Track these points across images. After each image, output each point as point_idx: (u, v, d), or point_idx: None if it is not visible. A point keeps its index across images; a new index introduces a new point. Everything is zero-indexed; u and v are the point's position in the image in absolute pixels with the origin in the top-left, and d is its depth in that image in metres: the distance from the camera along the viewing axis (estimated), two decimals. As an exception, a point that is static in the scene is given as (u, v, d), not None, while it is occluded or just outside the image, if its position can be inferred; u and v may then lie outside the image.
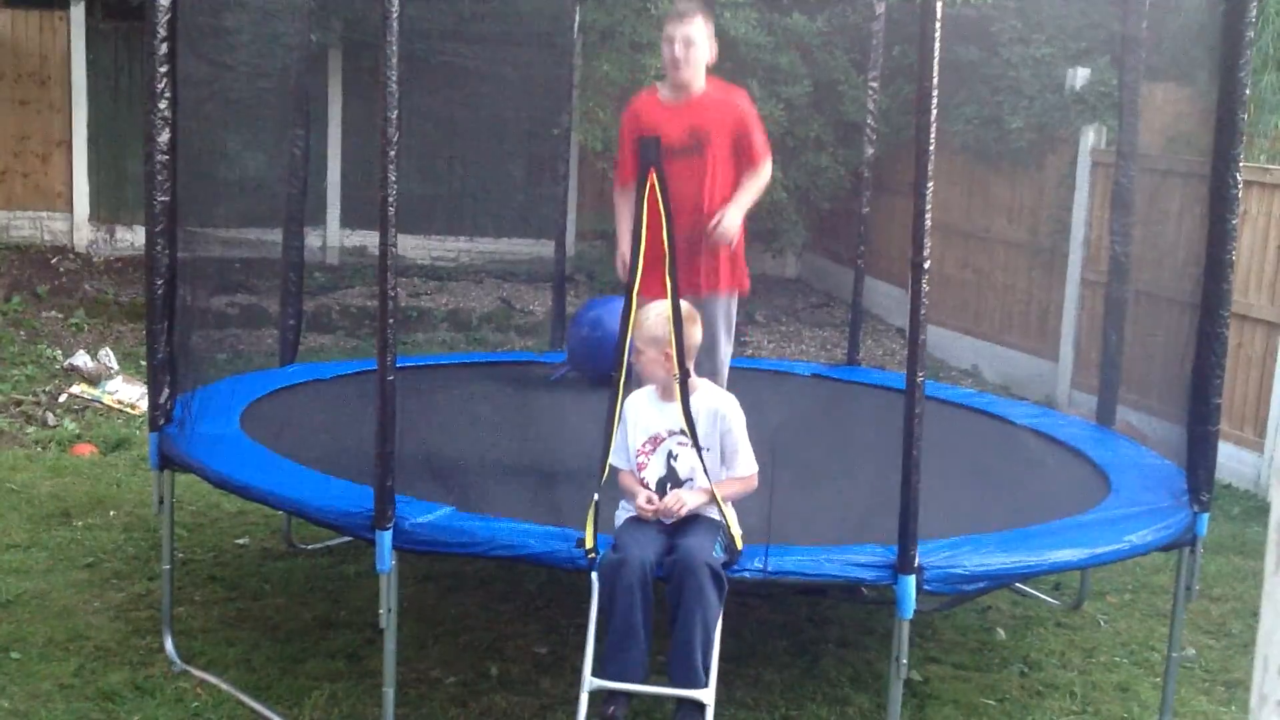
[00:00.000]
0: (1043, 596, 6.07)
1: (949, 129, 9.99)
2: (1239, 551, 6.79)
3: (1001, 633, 5.67)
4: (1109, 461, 5.45)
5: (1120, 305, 5.97)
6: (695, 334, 4.33)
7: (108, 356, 9.30)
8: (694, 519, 4.15)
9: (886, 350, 10.79)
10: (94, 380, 8.94)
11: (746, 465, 4.24)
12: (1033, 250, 10.11)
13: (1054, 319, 9.84)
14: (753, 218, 11.14)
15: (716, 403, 4.25)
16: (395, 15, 4.00)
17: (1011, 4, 10.45)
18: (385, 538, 4.15)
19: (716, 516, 4.17)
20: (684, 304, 4.25)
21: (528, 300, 11.60)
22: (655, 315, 4.23)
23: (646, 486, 4.21)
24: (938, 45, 3.83)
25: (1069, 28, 10.20)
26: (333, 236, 12.41)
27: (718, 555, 4.04)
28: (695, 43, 5.36)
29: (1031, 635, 5.69)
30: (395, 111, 4.05)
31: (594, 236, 12.14)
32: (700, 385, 4.30)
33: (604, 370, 6.00)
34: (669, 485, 4.20)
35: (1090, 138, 9.54)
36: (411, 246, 11.89)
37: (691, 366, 4.25)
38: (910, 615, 4.00)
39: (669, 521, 4.16)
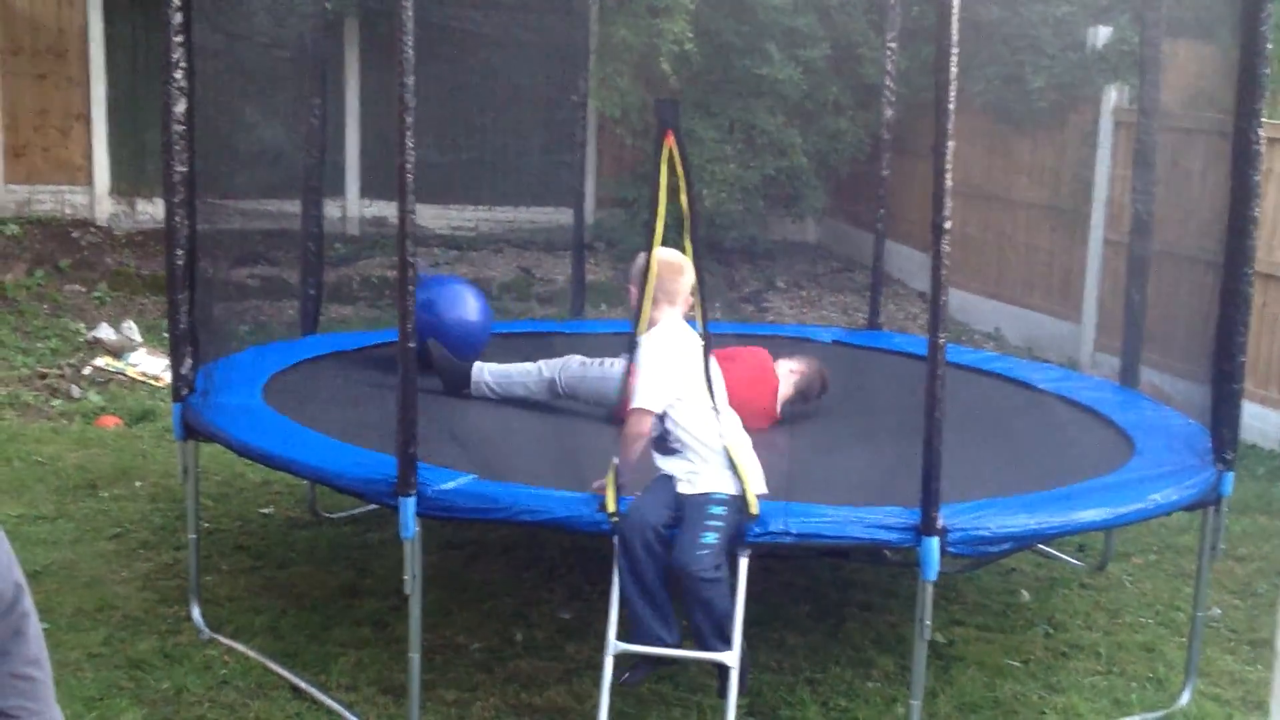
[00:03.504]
0: (1067, 558, 6.06)
1: (970, 89, 9.90)
2: (1264, 511, 6.77)
3: (1026, 594, 5.67)
4: (1132, 422, 5.42)
5: (1143, 265, 5.93)
6: (678, 283, 4.31)
7: (131, 329, 9.34)
8: (691, 497, 4.12)
9: (908, 314, 10.75)
10: (117, 353, 8.98)
11: (635, 398, 4.16)
12: (1055, 211, 10.04)
13: (1076, 280, 9.78)
14: (770, 183, 11.18)
15: (641, 340, 4.24)
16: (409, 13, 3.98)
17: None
18: (409, 504, 4.16)
19: (706, 488, 4.13)
20: (670, 253, 4.27)
21: (548, 269, 11.58)
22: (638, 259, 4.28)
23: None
24: (956, 5, 3.80)
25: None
26: (352, 207, 12.40)
27: (710, 547, 3.99)
28: None
29: (1056, 596, 5.69)
30: (411, 79, 4.04)
31: (613, 203, 12.12)
32: (657, 324, 4.27)
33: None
34: (666, 435, 4.23)
35: (1113, 96, 9.46)
36: (431, 216, 11.87)
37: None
38: (934, 577, 4.00)
39: (676, 453, 4.19)
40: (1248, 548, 6.25)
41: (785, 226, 12.50)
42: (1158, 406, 5.71)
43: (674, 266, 4.28)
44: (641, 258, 4.28)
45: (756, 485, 4.14)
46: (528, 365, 5.68)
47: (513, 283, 11.29)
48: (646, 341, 4.22)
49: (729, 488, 4.10)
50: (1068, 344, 9.71)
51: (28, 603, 1.85)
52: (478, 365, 5.72)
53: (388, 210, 11.83)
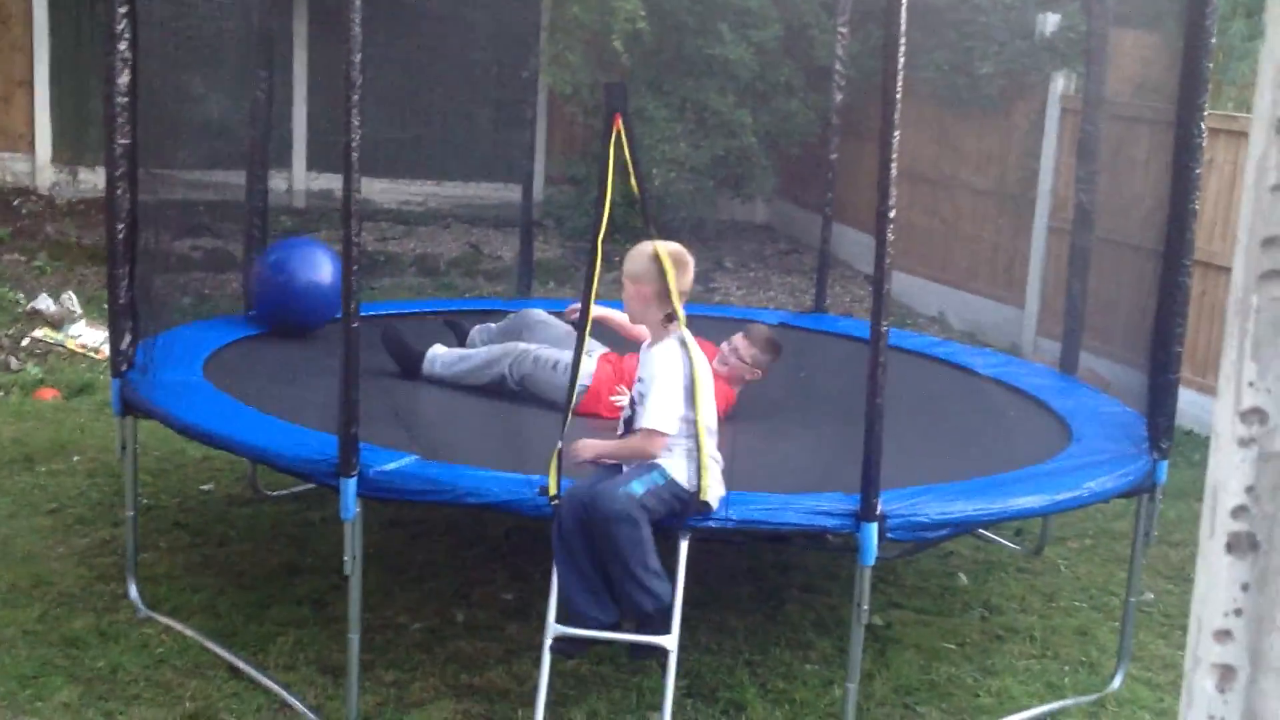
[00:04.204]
0: (1004, 542, 6.14)
1: (918, 75, 9.94)
2: (1199, 497, 6.82)
3: (963, 578, 5.74)
4: (1070, 410, 5.49)
5: (1084, 254, 5.99)
6: (685, 280, 4.27)
7: (71, 300, 9.21)
8: (635, 466, 4.14)
9: (855, 296, 10.81)
10: (57, 324, 8.86)
11: (649, 419, 4.09)
12: (1000, 197, 10.11)
13: (1020, 266, 9.87)
14: (720, 163, 11.18)
15: (649, 363, 4.18)
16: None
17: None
18: (350, 485, 4.14)
19: (659, 464, 4.12)
20: (675, 246, 4.22)
21: (496, 245, 11.54)
22: (640, 253, 4.19)
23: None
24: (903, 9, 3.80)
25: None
26: (299, 179, 12.29)
27: (632, 493, 3.97)
28: None
29: (993, 580, 5.76)
30: (358, 57, 4.01)
31: (562, 181, 12.08)
32: (663, 339, 4.23)
33: (289, 319, 5.98)
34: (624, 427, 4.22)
35: (1060, 84, 9.53)
36: (379, 190, 11.79)
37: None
38: (872, 562, 4.03)
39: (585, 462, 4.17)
40: (1182, 533, 6.35)
41: (734, 207, 12.52)
42: (1095, 394, 5.79)
43: (685, 264, 4.19)
44: (641, 253, 4.17)
45: (715, 483, 4.14)
46: (477, 356, 5.64)
47: (460, 258, 11.24)
48: (662, 358, 4.13)
49: (681, 476, 4.10)
50: (1011, 329, 9.80)
51: None
52: (430, 354, 5.68)
53: (335, 183, 11.72)
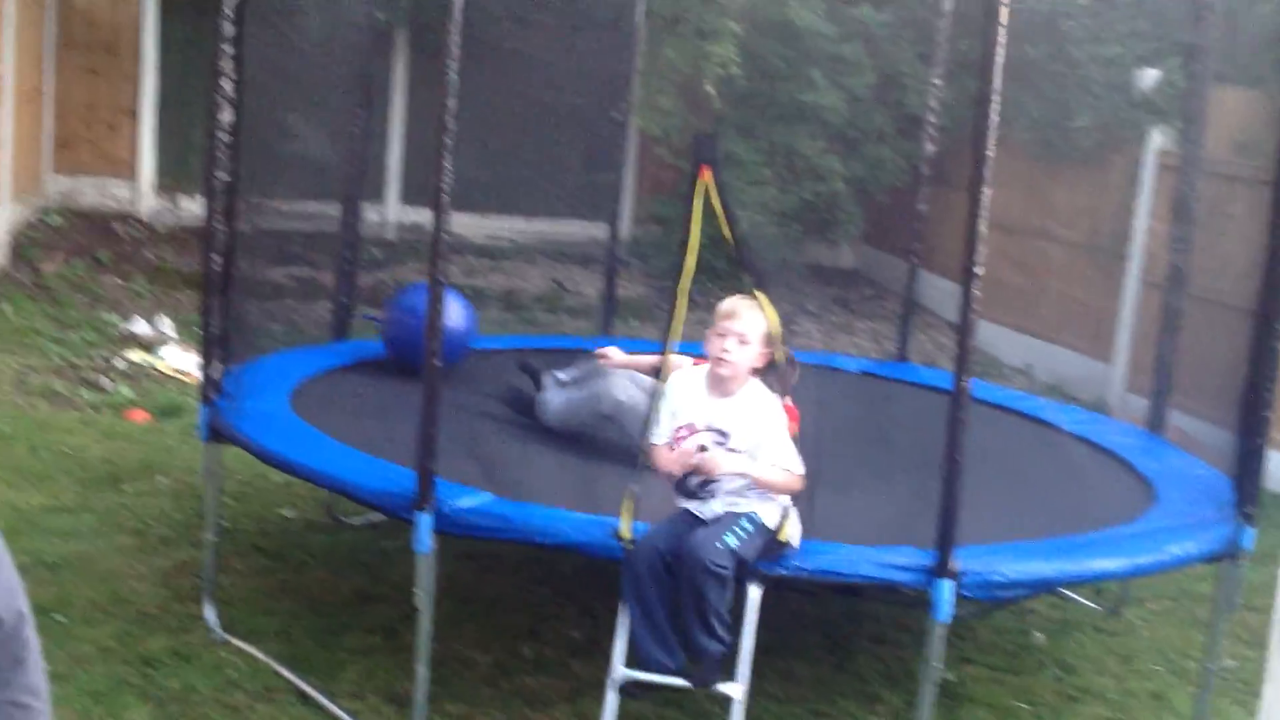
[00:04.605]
0: (1082, 601, 6.02)
1: (1012, 125, 9.88)
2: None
3: (1039, 636, 5.64)
4: (1155, 471, 5.40)
5: (1175, 314, 5.89)
6: (775, 321, 4.30)
7: (165, 324, 9.43)
8: (723, 514, 4.13)
9: (939, 345, 10.71)
10: (151, 347, 9.06)
11: (789, 461, 4.16)
12: (1092, 251, 9.98)
13: (1110, 320, 9.73)
14: (808, 208, 11.16)
15: (762, 410, 4.20)
16: (458, 22, 4.02)
17: (1082, 2, 10.31)
18: (425, 520, 4.19)
19: (747, 510, 4.14)
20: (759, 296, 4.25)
21: (580, 282, 11.61)
22: (739, 304, 4.23)
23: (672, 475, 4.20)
24: (1000, 54, 3.78)
25: (1140, 28, 10.04)
26: (393, 212, 12.48)
27: (728, 547, 4.01)
28: None
29: (1069, 639, 5.65)
30: (454, 102, 4.08)
31: (650, 221, 12.14)
32: (751, 384, 4.26)
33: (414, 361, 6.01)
34: (692, 477, 4.18)
35: (1156, 140, 9.40)
36: (467, 225, 11.92)
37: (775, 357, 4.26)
38: (946, 619, 3.98)
39: (696, 481, 4.15)
40: (1265, 598, 6.13)
41: (820, 251, 12.48)
42: (1182, 454, 5.68)
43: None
44: (747, 307, 4.23)
45: (795, 523, 4.15)
46: (577, 400, 5.64)
47: (545, 294, 11.33)
48: (768, 401, 4.21)
49: (770, 519, 4.11)
50: (1099, 384, 9.65)
51: (29, 632, 1.86)
52: (540, 400, 5.70)
53: (425, 217, 11.88)
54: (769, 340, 4.20)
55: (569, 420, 5.57)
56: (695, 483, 4.16)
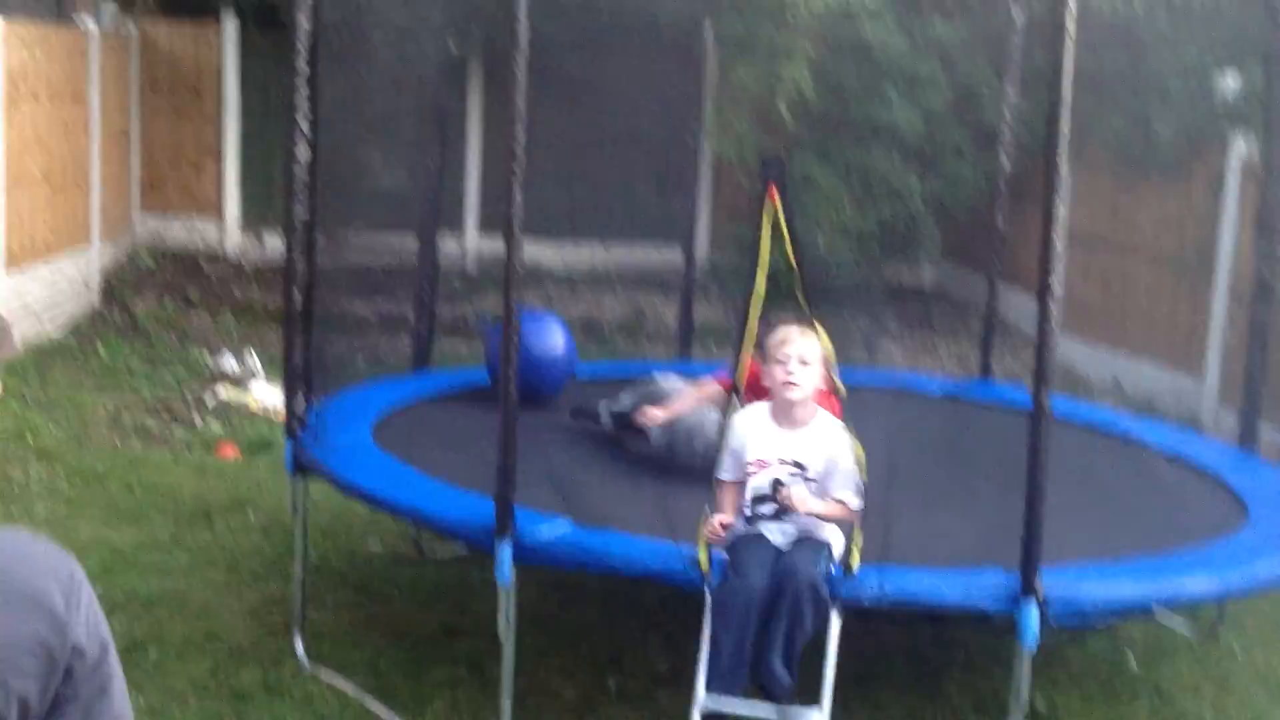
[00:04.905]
0: (1176, 623, 5.89)
1: (1093, 136, 9.76)
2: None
3: (1133, 661, 5.52)
4: (1248, 487, 5.27)
5: (1263, 329, 5.76)
6: (828, 345, 4.33)
7: (253, 360, 9.60)
8: (805, 539, 4.14)
9: (1024, 363, 10.57)
10: (239, 383, 9.23)
11: (851, 497, 4.17)
12: (1179, 263, 9.80)
13: (1200, 334, 9.53)
14: (887, 227, 11.09)
15: (832, 440, 4.23)
16: (524, 52, 4.06)
17: (1160, 8, 10.15)
18: (505, 550, 4.22)
19: (824, 537, 4.15)
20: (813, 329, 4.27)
21: (659, 308, 11.63)
22: (791, 330, 4.24)
23: (744, 509, 4.21)
24: (1069, 65, 3.75)
25: (1219, 33, 9.86)
26: (471, 243, 12.61)
27: (825, 570, 4.04)
28: None
29: (1164, 664, 5.53)
30: (523, 135, 4.12)
31: (728, 244, 12.12)
32: (820, 414, 4.28)
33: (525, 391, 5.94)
34: (768, 503, 4.19)
35: (1241, 148, 9.22)
36: (545, 252, 12.01)
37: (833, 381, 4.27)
38: (1032, 646, 3.92)
39: (771, 511, 4.17)
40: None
41: (901, 270, 12.39)
42: (1276, 470, 5.55)
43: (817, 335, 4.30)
44: (805, 335, 4.27)
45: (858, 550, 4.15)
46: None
47: (624, 321, 11.36)
48: (842, 433, 4.25)
49: (839, 549, 4.14)
50: (1190, 399, 9.46)
51: (114, 662, 1.89)
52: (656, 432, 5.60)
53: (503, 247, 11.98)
54: (826, 363, 4.21)
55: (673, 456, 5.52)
56: (770, 512, 4.16)
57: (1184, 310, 9.77)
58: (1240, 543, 4.62)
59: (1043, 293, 3.88)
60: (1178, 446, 5.98)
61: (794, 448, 4.18)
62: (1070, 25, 3.76)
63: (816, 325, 4.29)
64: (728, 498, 4.27)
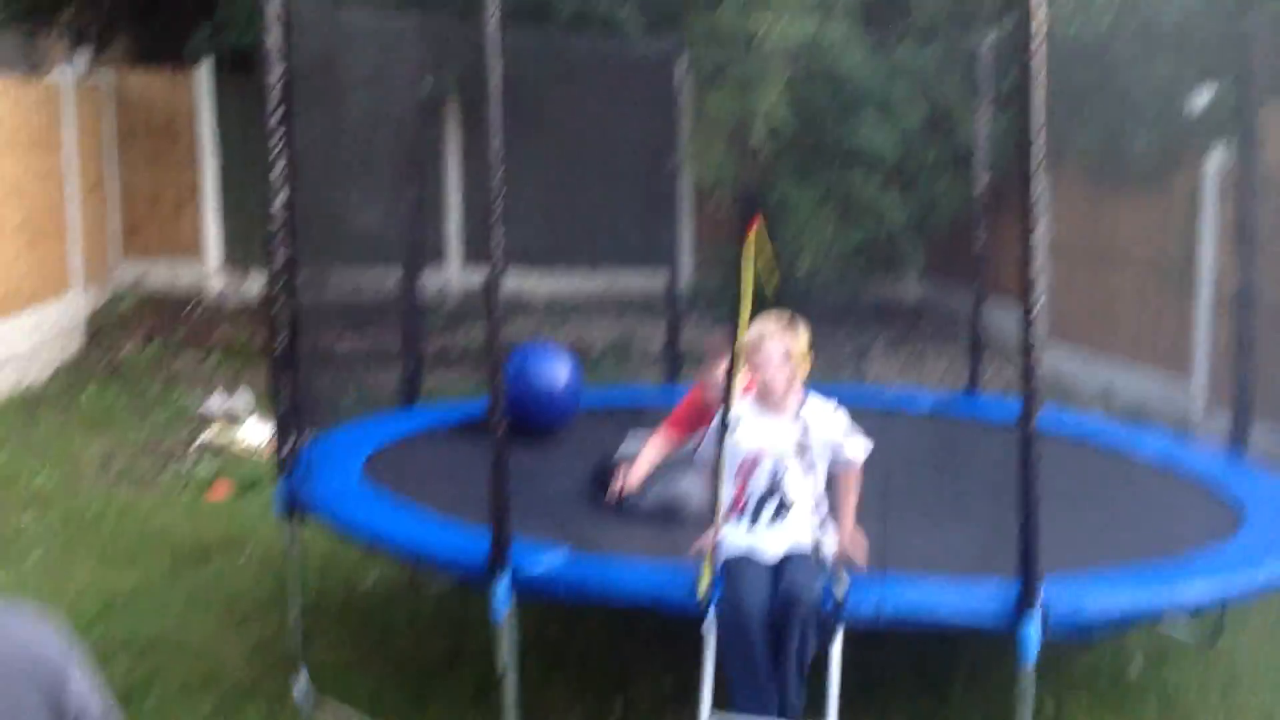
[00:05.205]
0: (1178, 628, 5.91)
1: (1066, 154, 9.86)
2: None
3: (1138, 662, 5.52)
4: (1242, 491, 5.30)
5: (1247, 336, 5.80)
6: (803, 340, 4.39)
7: (240, 399, 9.59)
8: (799, 555, 4.14)
9: (1011, 373, 10.60)
10: (229, 422, 9.21)
11: (857, 452, 4.35)
12: (1163, 270, 9.86)
13: (1187, 338, 9.59)
14: (868, 246, 11.13)
15: (824, 420, 4.32)
16: (498, 100, 4.08)
17: (1131, 26, 10.23)
18: (501, 585, 4.21)
19: (818, 549, 4.19)
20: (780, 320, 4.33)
21: (646, 333, 11.65)
22: (757, 333, 4.31)
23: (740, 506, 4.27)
24: (1040, 87, 3.77)
25: (1191, 51, 9.92)
26: (455, 274, 12.63)
27: (823, 586, 4.06)
28: None
29: (1169, 668, 5.53)
30: (500, 173, 4.13)
31: (713, 266, 12.17)
32: (808, 398, 4.34)
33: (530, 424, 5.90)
34: (770, 500, 4.24)
35: (1217, 158, 9.30)
36: (532, 282, 12.02)
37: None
38: (1034, 659, 3.93)
39: (783, 520, 4.23)
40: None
41: (885, 286, 12.45)
42: (1268, 473, 5.57)
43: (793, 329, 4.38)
44: (775, 329, 4.34)
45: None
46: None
47: (612, 346, 11.38)
48: (839, 420, 4.37)
49: (830, 547, 4.22)
50: (1180, 401, 9.51)
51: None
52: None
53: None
54: (802, 356, 4.31)
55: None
56: (771, 512, 4.23)
57: (1169, 316, 9.83)
58: (1237, 547, 4.64)
59: (1026, 311, 3.87)
60: (1170, 453, 6.01)
61: (789, 433, 4.26)
62: (1039, 49, 3.76)
63: (794, 322, 4.34)
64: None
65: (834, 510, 4.33)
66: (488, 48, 4.07)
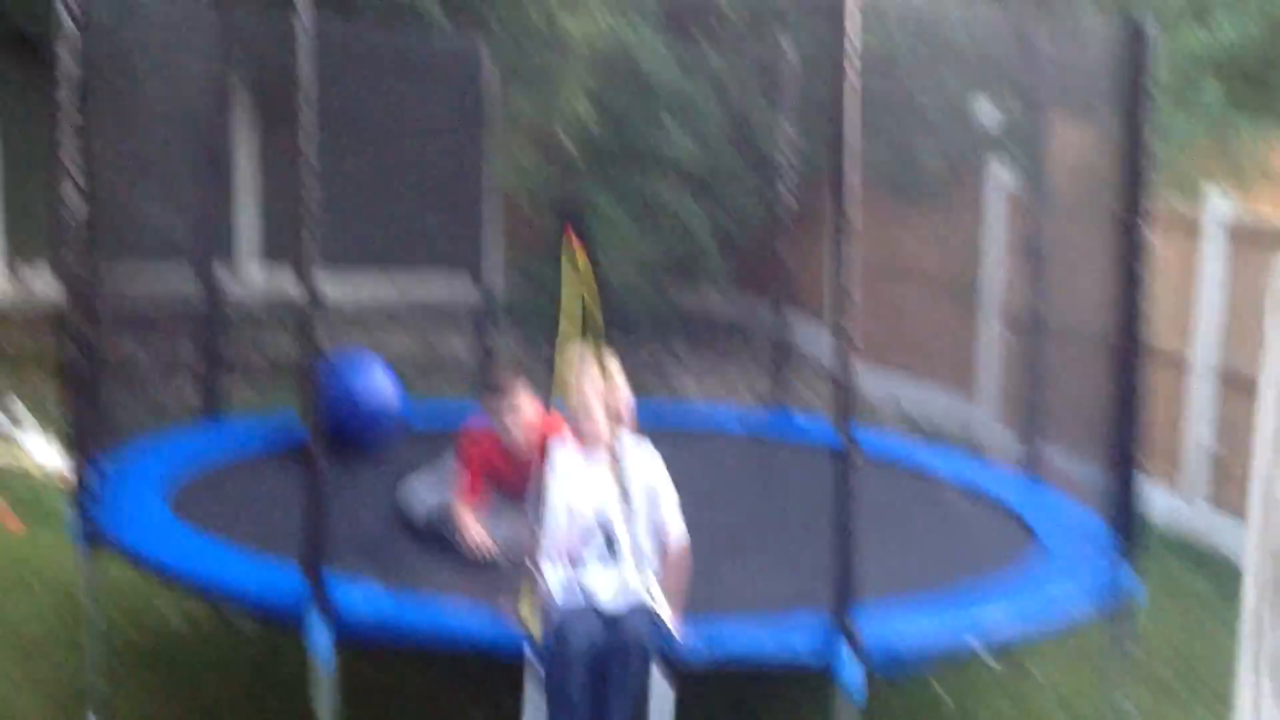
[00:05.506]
0: (983, 657, 5.99)
1: (864, 168, 10.01)
2: (1170, 595, 6.75)
3: (947, 700, 5.63)
4: (1034, 514, 5.48)
5: (1035, 354, 6.00)
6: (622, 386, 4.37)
7: (17, 411, 9.11)
8: (635, 608, 4.15)
9: (817, 389, 10.74)
10: (8, 439, 8.75)
11: (679, 534, 4.27)
12: (951, 287, 10.12)
13: (973, 355, 9.88)
14: (673, 256, 11.16)
15: (645, 467, 4.29)
16: (312, 101, 3.97)
17: (920, 40, 10.45)
18: (319, 628, 4.10)
19: (643, 585, 4.21)
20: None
21: (452, 344, 11.49)
22: (586, 363, 4.31)
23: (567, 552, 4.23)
24: (855, 108, 3.84)
25: (977, 66, 10.21)
26: (252, 276, 12.27)
27: (659, 630, 4.08)
28: None
29: (971, 698, 5.64)
30: (315, 183, 4.03)
31: (521, 275, 12.05)
32: (624, 438, 4.33)
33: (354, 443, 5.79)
34: (595, 545, 4.22)
35: (999, 175, 9.57)
36: (333, 288, 11.73)
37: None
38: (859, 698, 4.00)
39: (613, 564, 4.22)
40: (1162, 640, 6.24)
41: (690, 298, 12.51)
42: (1059, 495, 5.73)
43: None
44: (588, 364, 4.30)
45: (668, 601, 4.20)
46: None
47: (415, 357, 11.19)
48: (653, 461, 4.30)
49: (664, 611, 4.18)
50: (966, 418, 9.78)
51: None
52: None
53: (286, 278, 11.68)
54: (621, 401, 4.27)
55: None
56: (597, 554, 4.20)
57: (957, 332, 10.10)
58: (1034, 572, 4.80)
59: (841, 350, 3.95)
60: (965, 476, 6.16)
61: (610, 479, 4.24)
62: (852, 68, 3.84)
63: (603, 355, 4.33)
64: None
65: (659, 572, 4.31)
66: (300, 40, 3.95)
